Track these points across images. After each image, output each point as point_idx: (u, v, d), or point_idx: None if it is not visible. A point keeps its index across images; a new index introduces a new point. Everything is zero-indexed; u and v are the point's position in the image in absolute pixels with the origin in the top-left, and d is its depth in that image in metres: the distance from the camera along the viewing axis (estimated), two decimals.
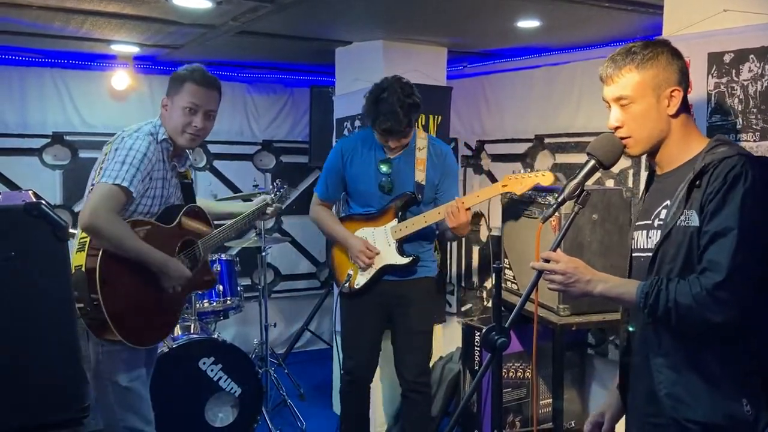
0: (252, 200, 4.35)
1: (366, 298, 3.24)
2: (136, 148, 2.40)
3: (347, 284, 3.21)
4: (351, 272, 3.22)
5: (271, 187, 3.05)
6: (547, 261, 1.80)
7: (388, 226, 3.17)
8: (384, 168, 3.16)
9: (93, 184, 2.42)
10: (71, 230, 2.35)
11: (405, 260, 3.16)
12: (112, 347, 2.45)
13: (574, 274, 1.75)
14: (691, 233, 1.69)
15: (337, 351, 3.41)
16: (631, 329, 1.87)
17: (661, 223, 1.80)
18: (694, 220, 1.69)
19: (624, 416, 2.02)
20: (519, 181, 3.02)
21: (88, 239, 2.36)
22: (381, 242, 3.18)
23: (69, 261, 1.57)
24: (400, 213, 3.16)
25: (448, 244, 4.78)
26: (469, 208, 2.98)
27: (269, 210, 3.02)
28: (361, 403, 3.43)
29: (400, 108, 2.97)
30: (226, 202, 3.07)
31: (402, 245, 3.17)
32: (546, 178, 2.98)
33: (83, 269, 2.32)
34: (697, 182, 1.69)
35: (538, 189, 3.29)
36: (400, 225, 3.15)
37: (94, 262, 2.31)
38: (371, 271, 3.19)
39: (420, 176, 3.16)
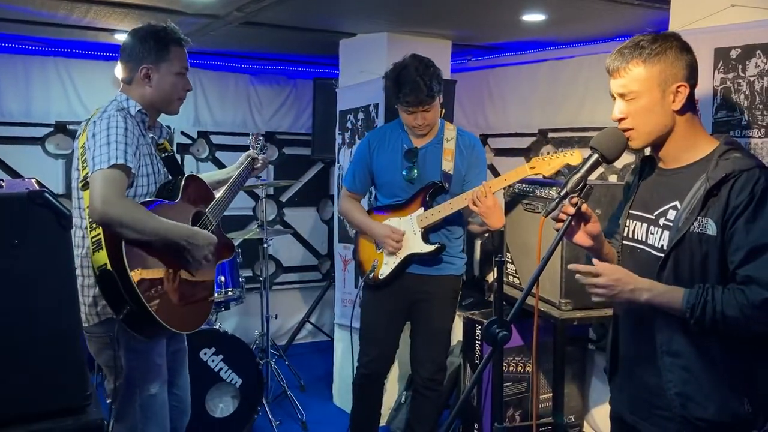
0: (255, 192, 4.29)
1: (388, 292, 3.21)
2: (114, 125, 2.24)
3: (372, 274, 3.19)
4: (376, 262, 3.20)
5: (249, 141, 2.99)
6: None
7: (414, 215, 3.14)
8: (410, 157, 3.15)
9: (82, 180, 2.29)
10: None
11: (430, 248, 3.11)
12: (143, 353, 2.39)
13: (616, 286, 1.75)
14: (707, 241, 1.70)
15: (359, 342, 3.38)
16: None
17: (668, 224, 1.79)
18: (711, 229, 1.69)
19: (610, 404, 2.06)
20: (547, 162, 2.94)
21: (102, 235, 2.20)
22: (407, 231, 3.14)
23: (72, 249, 1.57)
24: (426, 202, 3.13)
25: None
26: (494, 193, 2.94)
27: (258, 164, 2.92)
28: (373, 398, 3.42)
29: (420, 77, 2.98)
30: (213, 173, 3.01)
31: (427, 234, 3.13)
32: (574, 158, 2.89)
33: (108, 267, 2.17)
34: (714, 191, 1.69)
35: (540, 182, 3.30)
36: (426, 213, 3.11)
37: (119, 257, 2.16)
38: (396, 260, 3.15)
39: (447, 166, 3.13)
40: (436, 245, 3.12)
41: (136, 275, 2.18)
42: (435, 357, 3.29)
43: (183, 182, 2.50)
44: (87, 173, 2.23)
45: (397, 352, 3.39)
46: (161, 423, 2.49)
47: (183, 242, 2.33)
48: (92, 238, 2.23)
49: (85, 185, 2.26)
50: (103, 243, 2.19)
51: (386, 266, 3.18)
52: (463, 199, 3.01)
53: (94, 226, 2.22)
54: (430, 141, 3.18)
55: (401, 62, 3.11)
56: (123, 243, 2.17)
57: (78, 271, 2.33)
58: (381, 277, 3.19)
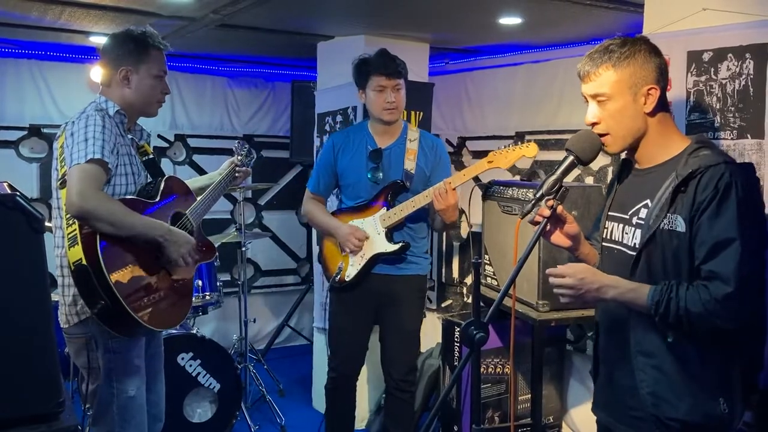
0: (233, 195, 4.24)
1: (355, 294, 3.22)
2: (92, 123, 2.27)
3: (338, 277, 3.19)
4: (342, 264, 3.19)
5: (234, 148, 2.98)
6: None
7: (377, 215, 3.15)
8: (375, 158, 3.17)
9: (60, 179, 2.30)
10: (47, 224, 2.29)
11: (394, 247, 3.12)
12: (121, 354, 2.38)
13: (581, 286, 1.76)
14: (677, 238, 1.72)
15: (328, 346, 3.37)
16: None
17: (640, 222, 1.81)
18: (680, 226, 1.71)
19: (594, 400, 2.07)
20: (504, 155, 2.98)
21: (77, 230, 2.21)
22: (370, 232, 3.15)
23: (45, 253, 1.55)
24: (388, 201, 3.14)
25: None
26: (455, 189, 2.97)
27: (238, 174, 2.92)
28: (346, 401, 3.41)
29: (387, 56, 3.10)
30: (196, 179, 3.01)
31: (391, 233, 3.15)
32: (530, 150, 2.93)
33: (83, 262, 2.17)
34: (683, 188, 1.70)
35: (517, 184, 3.31)
36: (388, 212, 3.12)
37: (93, 250, 2.16)
38: (361, 262, 3.16)
39: (409, 165, 3.16)
40: (400, 244, 3.14)
41: (110, 269, 2.18)
42: (405, 358, 3.30)
43: (163, 183, 2.52)
44: (65, 171, 2.23)
45: (367, 354, 3.39)
46: (139, 426, 2.47)
47: (160, 239, 2.33)
48: (68, 234, 2.24)
49: (63, 183, 2.26)
50: (78, 238, 2.19)
51: (352, 267, 3.19)
52: (424, 196, 3.04)
53: (70, 222, 2.23)
54: (394, 141, 3.22)
55: (362, 56, 3.21)
56: (98, 237, 2.18)
57: (58, 271, 2.37)
58: (348, 279, 3.19)
